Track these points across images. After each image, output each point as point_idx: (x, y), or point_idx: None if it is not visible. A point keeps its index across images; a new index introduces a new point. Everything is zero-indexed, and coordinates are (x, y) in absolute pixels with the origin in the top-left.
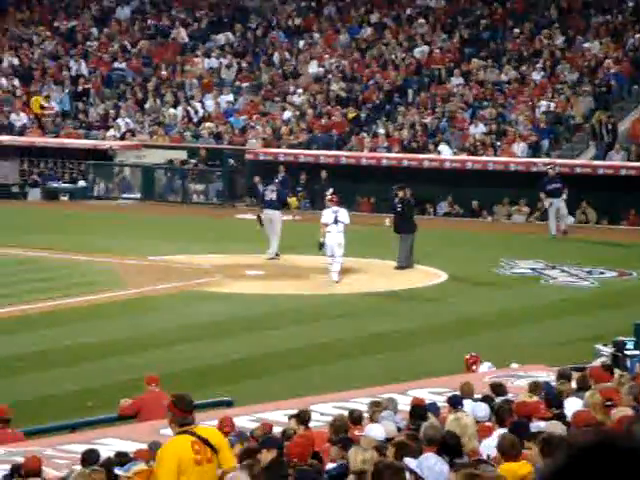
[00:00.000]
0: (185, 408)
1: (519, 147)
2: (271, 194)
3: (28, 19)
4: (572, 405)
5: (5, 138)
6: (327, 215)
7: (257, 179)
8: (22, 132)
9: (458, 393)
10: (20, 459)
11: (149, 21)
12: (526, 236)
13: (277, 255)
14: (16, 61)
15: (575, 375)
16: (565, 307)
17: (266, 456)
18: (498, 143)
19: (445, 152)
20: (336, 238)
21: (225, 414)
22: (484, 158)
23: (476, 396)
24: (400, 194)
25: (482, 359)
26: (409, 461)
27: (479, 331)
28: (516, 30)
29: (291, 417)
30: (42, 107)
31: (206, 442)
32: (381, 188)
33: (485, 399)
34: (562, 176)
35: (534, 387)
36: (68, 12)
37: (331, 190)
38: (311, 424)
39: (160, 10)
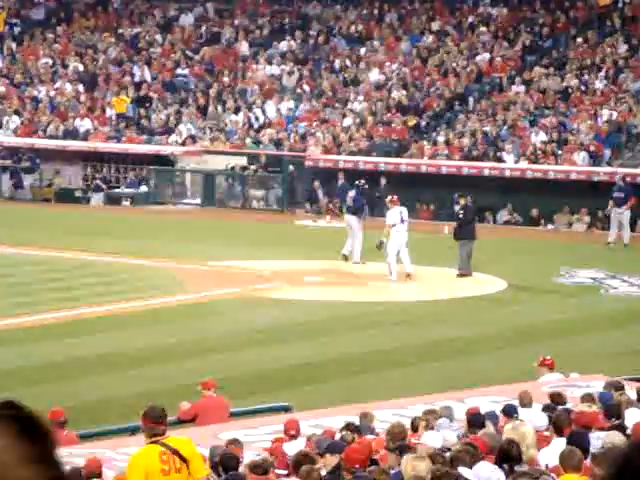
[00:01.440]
0: (155, 419)
1: (580, 156)
2: (349, 200)
3: (93, 26)
4: (632, 416)
5: (69, 143)
6: (394, 215)
7: (317, 184)
8: (86, 137)
9: (513, 402)
10: (80, 461)
11: (212, 28)
12: (587, 245)
13: (361, 261)
14: (81, 67)
15: (635, 386)
16: (625, 317)
17: (330, 461)
18: (559, 152)
19: (509, 161)
20: (404, 237)
21: (290, 417)
22: (545, 167)
23: (536, 405)
24: (462, 202)
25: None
26: (464, 470)
27: (538, 340)
28: (579, 39)
29: (347, 427)
30: (127, 106)
31: (176, 452)
32: (441, 196)
33: (545, 408)
34: (631, 186)
35: (588, 398)
36: (132, 19)
37: (392, 196)
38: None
39: (223, 17)
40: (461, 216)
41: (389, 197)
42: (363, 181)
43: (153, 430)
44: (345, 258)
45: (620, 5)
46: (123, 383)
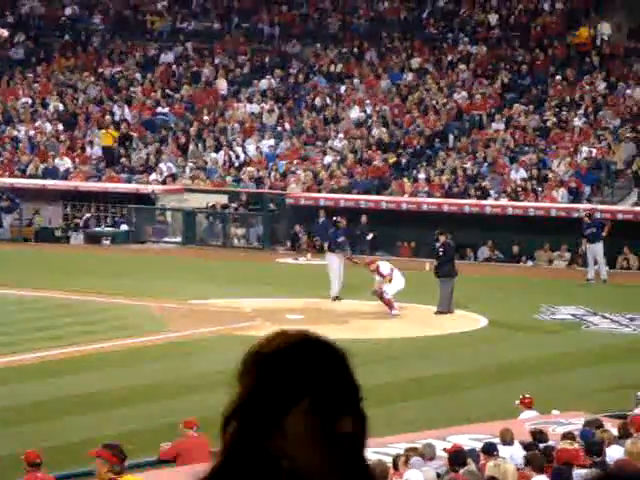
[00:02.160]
0: (119, 457)
1: (560, 193)
2: (343, 239)
3: (73, 65)
4: (614, 453)
5: (49, 182)
6: (385, 266)
7: (298, 228)
8: (66, 176)
9: (493, 440)
10: None
11: (192, 67)
12: (567, 282)
13: (338, 298)
14: (61, 106)
15: (617, 423)
16: (606, 354)
17: None
18: (539, 188)
19: (485, 200)
20: (402, 281)
21: None
22: (525, 203)
23: (517, 442)
24: (442, 239)
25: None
26: None
27: (519, 377)
28: (558, 77)
29: None
30: (115, 140)
31: None
32: (421, 233)
33: (527, 446)
34: (601, 221)
35: (569, 436)
36: (112, 58)
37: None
38: None
39: (203, 56)
40: (441, 253)
41: (370, 265)
42: (339, 218)
43: (113, 467)
44: (337, 299)
45: (598, 43)
46: (105, 423)
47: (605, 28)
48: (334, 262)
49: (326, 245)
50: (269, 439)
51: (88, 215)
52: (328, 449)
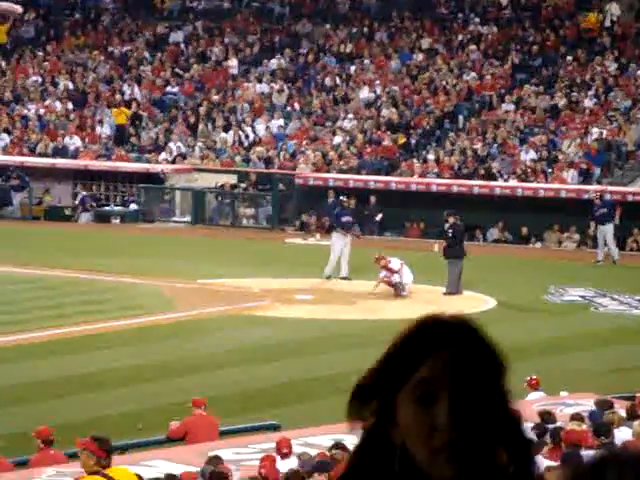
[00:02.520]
0: (107, 450)
1: (570, 174)
2: (348, 218)
3: (83, 44)
4: (622, 435)
5: (59, 161)
6: (396, 262)
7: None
8: (75, 155)
9: None
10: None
11: (202, 46)
12: (576, 263)
13: (350, 279)
14: (70, 85)
15: (625, 404)
16: (615, 335)
17: None
18: (549, 170)
19: (495, 181)
20: (411, 277)
21: (282, 435)
22: (534, 185)
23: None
24: (451, 220)
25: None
26: None
27: (528, 358)
28: (569, 57)
29: (336, 445)
30: (127, 118)
31: None
32: (431, 214)
33: (535, 427)
34: (614, 202)
35: (577, 417)
36: (122, 37)
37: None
38: None
39: (212, 35)
40: (450, 234)
41: (380, 261)
42: (344, 198)
43: (103, 461)
44: (345, 279)
45: (608, 24)
46: (112, 402)
47: (615, 9)
48: (336, 242)
49: (330, 224)
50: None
51: (84, 193)
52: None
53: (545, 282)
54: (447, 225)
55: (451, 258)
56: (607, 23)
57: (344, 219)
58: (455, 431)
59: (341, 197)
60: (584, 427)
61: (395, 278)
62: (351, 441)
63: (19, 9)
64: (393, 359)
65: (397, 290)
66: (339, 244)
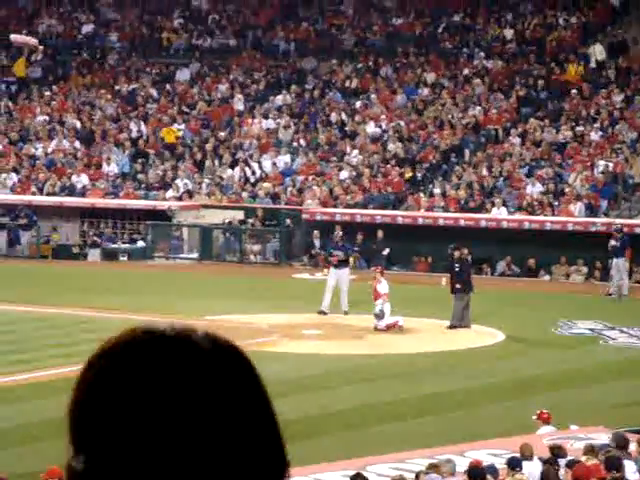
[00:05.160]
0: None
1: (577, 207)
2: (339, 252)
3: (90, 83)
4: (632, 468)
5: (66, 199)
6: (385, 286)
7: (315, 233)
8: (83, 193)
9: (517, 455)
10: None
11: (208, 84)
12: (585, 296)
13: (346, 312)
14: (78, 124)
15: (636, 438)
16: (625, 368)
17: None
18: (555, 203)
19: (503, 213)
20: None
21: None
22: (541, 218)
23: (536, 458)
24: (456, 254)
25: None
26: None
27: (537, 392)
28: (574, 91)
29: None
30: (177, 137)
31: None
32: (438, 248)
33: (546, 461)
34: (628, 236)
35: (589, 450)
36: (129, 75)
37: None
38: None
39: (218, 73)
40: (457, 269)
41: (379, 268)
42: (336, 232)
43: None
44: (345, 313)
45: (594, 65)
46: None
47: (598, 52)
48: (330, 277)
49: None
50: None
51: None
52: None
53: (554, 315)
54: (453, 260)
55: (458, 293)
56: (592, 64)
57: (334, 252)
58: None
59: (335, 232)
60: (594, 461)
61: (378, 304)
62: (366, 475)
63: (36, 42)
64: None
65: (393, 326)
66: (332, 279)
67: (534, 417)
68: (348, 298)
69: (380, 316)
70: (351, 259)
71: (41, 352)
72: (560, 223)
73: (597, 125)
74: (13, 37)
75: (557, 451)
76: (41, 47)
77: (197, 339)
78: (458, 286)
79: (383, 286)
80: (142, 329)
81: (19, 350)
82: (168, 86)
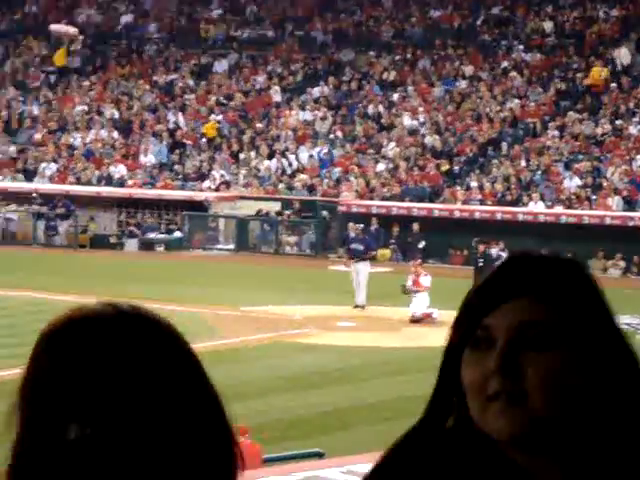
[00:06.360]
0: None
1: (615, 201)
2: (358, 245)
3: (128, 73)
4: None
5: (104, 189)
6: (429, 278)
7: (350, 225)
8: (121, 184)
9: None
10: None
11: (246, 75)
12: (622, 291)
13: (363, 307)
14: (116, 114)
15: None
16: None
17: None
18: (593, 197)
19: (540, 207)
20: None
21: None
22: (579, 212)
23: None
24: (481, 248)
25: None
26: None
27: None
28: (613, 84)
29: None
30: (217, 131)
31: None
32: (485, 243)
33: None
34: None
35: None
36: (167, 66)
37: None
38: None
39: (256, 64)
40: (480, 264)
41: (416, 265)
42: (353, 224)
43: None
44: (357, 307)
45: (620, 68)
46: None
47: (624, 55)
48: (352, 270)
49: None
50: None
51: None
52: None
53: None
54: (478, 254)
55: None
56: (618, 67)
57: (352, 246)
58: (509, 378)
59: (350, 223)
60: None
61: (417, 299)
62: None
63: (76, 31)
64: (461, 310)
65: (408, 291)
66: (353, 273)
67: None
68: (368, 292)
69: (409, 290)
70: (379, 252)
71: None
72: (598, 217)
73: (636, 119)
74: (53, 27)
75: None
76: (80, 37)
77: (120, 309)
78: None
79: (426, 279)
80: (76, 308)
81: None
82: (206, 77)
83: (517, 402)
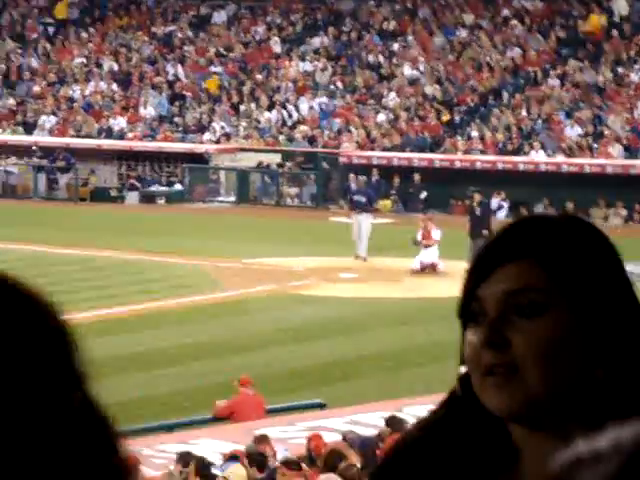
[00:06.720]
0: None
1: (616, 149)
2: (361, 197)
3: (127, 25)
4: None
5: (104, 142)
6: (439, 232)
7: (352, 177)
8: (120, 136)
9: None
10: None
11: (245, 26)
12: (624, 239)
13: (364, 259)
14: (115, 66)
15: None
16: None
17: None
18: (595, 145)
19: (541, 156)
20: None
21: (314, 433)
22: (580, 160)
23: None
24: (476, 197)
25: None
26: None
27: None
28: (614, 31)
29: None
30: (217, 86)
31: None
32: (480, 192)
33: None
34: None
35: None
36: (165, 17)
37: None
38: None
39: (255, 15)
40: (477, 213)
41: (425, 220)
42: (355, 175)
43: None
44: (358, 258)
45: (617, 20)
46: (158, 381)
47: (622, 6)
48: (353, 222)
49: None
50: None
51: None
52: None
53: None
54: (474, 203)
55: (477, 238)
56: (616, 19)
57: (355, 198)
58: (497, 350)
59: (351, 175)
60: None
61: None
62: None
63: None
64: (466, 275)
65: (417, 244)
66: (355, 225)
67: None
68: (370, 243)
69: (419, 243)
70: (380, 203)
71: (79, 294)
72: (599, 166)
73: (637, 66)
74: None
75: None
76: None
77: None
78: (477, 230)
79: (437, 233)
80: None
81: (57, 291)
82: (205, 28)
83: (510, 376)
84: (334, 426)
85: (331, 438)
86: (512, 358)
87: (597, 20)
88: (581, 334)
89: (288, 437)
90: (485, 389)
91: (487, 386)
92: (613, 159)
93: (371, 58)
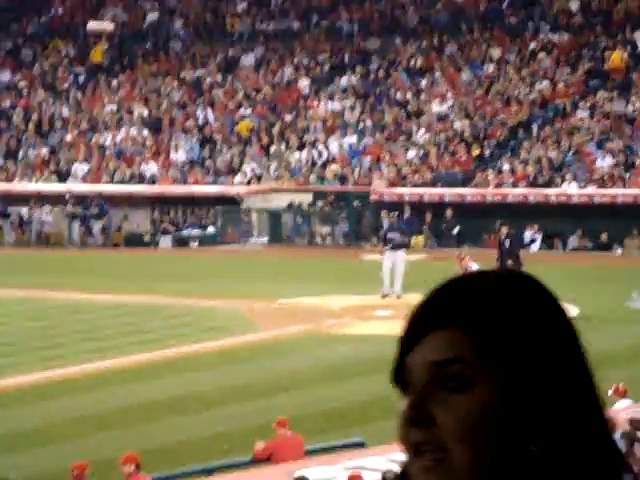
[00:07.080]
0: None
1: None
2: (395, 234)
3: (156, 71)
4: None
5: (137, 188)
6: (475, 267)
7: (384, 213)
8: (152, 181)
9: None
10: None
11: (273, 67)
12: None
13: (398, 296)
14: (145, 112)
15: None
16: None
17: None
18: (627, 175)
19: (573, 188)
20: None
21: (354, 472)
22: (612, 191)
23: (618, 433)
24: (504, 230)
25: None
26: None
27: (613, 366)
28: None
29: None
30: (248, 129)
31: None
32: (509, 224)
33: (625, 435)
34: None
35: None
36: (194, 62)
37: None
38: None
39: (283, 56)
40: (506, 245)
41: (461, 259)
42: (388, 212)
43: None
44: (385, 296)
45: None
46: (197, 425)
47: None
48: (385, 259)
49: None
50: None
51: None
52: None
53: (627, 289)
54: (502, 236)
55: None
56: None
57: (389, 235)
58: (421, 428)
59: (382, 212)
60: None
61: None
62: None
63: (110, 26)
64: (398, 339)
65: None
66: (387, 262)
67: (610, 392)
68: (405, 281)
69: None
70: (413, 239)
71: (113, 340)
72: (632, 196)
73: None
74: (90, 25)
75: (637, 424)
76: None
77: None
78: (506, 263)
79: (474, 267)
80: None
81: (92, 338)
82: (233, 71)
83: (440, 457)
84: (374, 465)
85: (371, 477)
86: (439, 436)
87: (619, 56)
88: (512, 408)
89: (328, 477)
90: (415, 473)
91: (416, 469)
92: None
93: (399, 95)
